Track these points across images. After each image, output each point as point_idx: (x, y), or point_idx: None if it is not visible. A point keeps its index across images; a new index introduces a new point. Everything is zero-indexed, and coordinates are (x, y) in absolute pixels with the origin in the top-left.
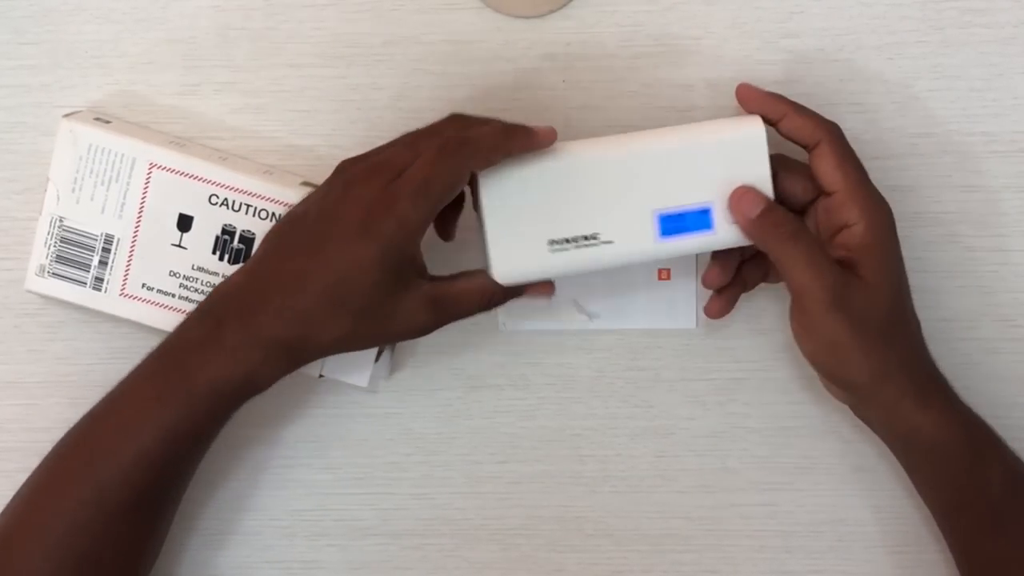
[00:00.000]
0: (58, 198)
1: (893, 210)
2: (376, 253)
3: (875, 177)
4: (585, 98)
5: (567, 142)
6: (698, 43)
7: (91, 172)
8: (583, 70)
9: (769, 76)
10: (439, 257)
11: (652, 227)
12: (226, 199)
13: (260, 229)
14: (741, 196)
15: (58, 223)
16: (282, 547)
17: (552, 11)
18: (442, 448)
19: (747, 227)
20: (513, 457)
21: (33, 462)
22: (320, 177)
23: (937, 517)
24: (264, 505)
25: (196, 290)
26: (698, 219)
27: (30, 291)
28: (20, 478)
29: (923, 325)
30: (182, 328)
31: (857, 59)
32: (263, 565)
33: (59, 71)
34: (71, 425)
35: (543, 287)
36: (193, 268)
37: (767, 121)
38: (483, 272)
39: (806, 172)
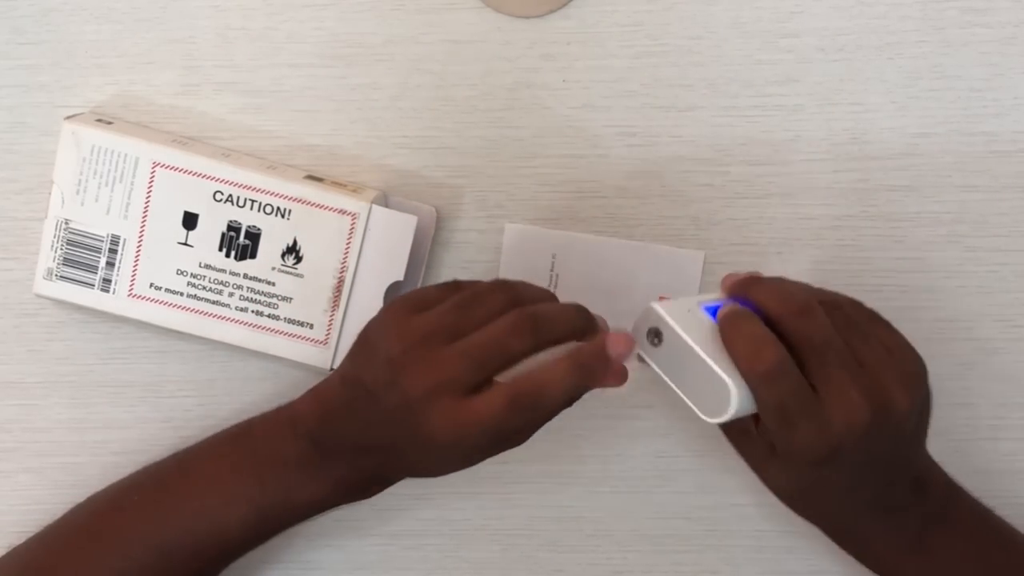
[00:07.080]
0: (63, 201)
1: (892, 210)
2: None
3: (875, 177)
4: (585, 98)
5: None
6: (698, 43)
7: (95, 173)
8: (583, 70)
9: (769, 76)
10: None
11: None
12: (230, 195)
13: (265, 224)
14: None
15: (64, 226)
16: (282, 547)
17: (552, 11)
18: None
19: None
20: (513, 457)
21: (33, 462)
22: (320, 176)
23: None
24: None
25: (204, 288)
26: None
27: (39, 295)
28: (20, 478)
29: (923, 325)
30: (270, 437)
31: (857, 59)
32: (263, 565)
33: (59, 71)
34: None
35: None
36: (200, 266)
37: None
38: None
39: None
